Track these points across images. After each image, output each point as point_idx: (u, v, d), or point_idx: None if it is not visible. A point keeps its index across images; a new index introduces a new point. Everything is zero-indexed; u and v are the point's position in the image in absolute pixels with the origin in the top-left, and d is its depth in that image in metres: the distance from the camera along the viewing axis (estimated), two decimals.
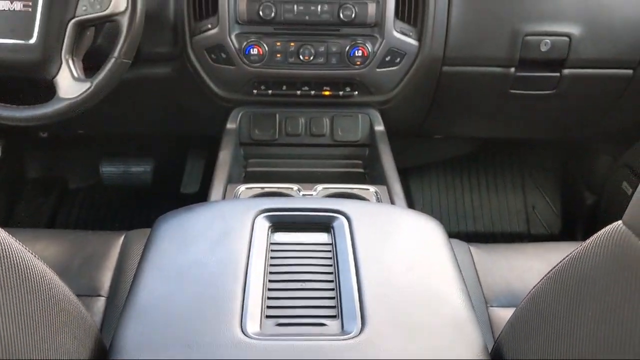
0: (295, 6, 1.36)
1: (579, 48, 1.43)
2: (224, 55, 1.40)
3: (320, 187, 1.21)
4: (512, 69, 1.47)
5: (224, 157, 1.34)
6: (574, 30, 1.42)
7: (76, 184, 2.06)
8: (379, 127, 1.48)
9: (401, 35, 1.41)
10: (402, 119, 1.61)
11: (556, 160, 2.08)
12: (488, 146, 2.06)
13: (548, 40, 1.43)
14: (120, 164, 2.00)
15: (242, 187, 1.20)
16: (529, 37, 1.42)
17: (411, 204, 1.97)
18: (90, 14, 1.15)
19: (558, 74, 1.47)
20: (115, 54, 1.16)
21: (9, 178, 1.94)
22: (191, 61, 1.42)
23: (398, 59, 1.43)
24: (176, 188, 2.01)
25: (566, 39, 1.42)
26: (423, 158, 2.07)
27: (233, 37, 1.38)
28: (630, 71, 1.47)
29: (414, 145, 2.00)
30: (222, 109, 1.50)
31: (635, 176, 1.73)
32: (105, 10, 1.15)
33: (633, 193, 1.61)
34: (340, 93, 1.47)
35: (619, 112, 1.61)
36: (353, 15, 1.37)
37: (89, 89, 1.15)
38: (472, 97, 1.58)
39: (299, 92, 1.46)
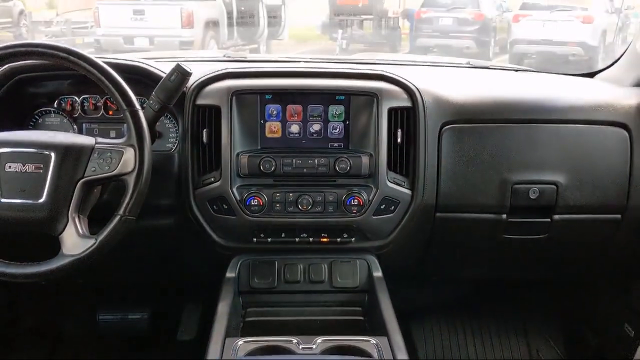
0: (294, 160, 1.44)
1: (567, 195, 1.49)
2: (225, 206, 1.45)
3: (319, 339, 1.19)
4: (504, 216, 1.52)
5: (223, 309, 1.34)
6: (560, 178, 1.48)
7: (71, 332, 2.02)
8: (377, 273, 1.50)
9: (394, 185, 1.47)
10: (399, 263, 1.63)
11: (557, 301, 2.08)
12: (487, 288, 2.06)
13: (536, 188, 1.49)
14: (118, 312, 1.98)
15: (240, 342, 1.19)
16: (517, 186, 1.49)
17: (413, 353, 1.93)
18: (99, 174, 1.21)
19: (549, 220, 1.52)
20: (121, 211, 1.20)
21: (0, 326, 1.90)
22: (193, 212, 1.47)
23: (392, 207, 1.47)
24: (173, 335, 1.98)
25: (553, 186, 1.49)
26: (423, 300, 2.07)
27: (234, 189, 1.44)
28: (618, 216, 1.52)
29: (413, 287, 2.00)
30: (222, 257, 1.52)
31: (637, 317, 1.72)
32: (113, 171, 1.21)
33: (635, 335, 1.60)
34: (338, 239, 1.50)
35: (611, 254, 1.64)
36: (348, 168, 1.44)
37: (92, 245, 1.18)
38: (466, 241, 1.61)
39: (297, 239, 1.49)
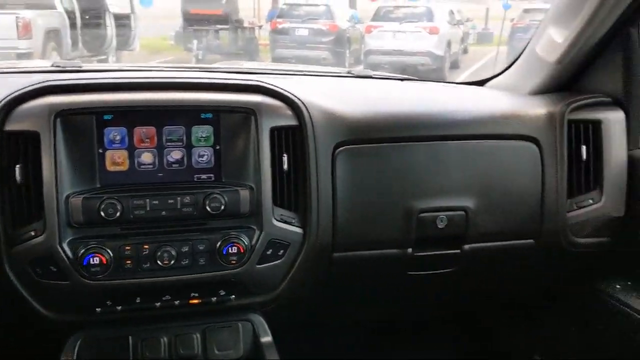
0: (148, 201, 1.09)
1: (477, 221, 1.29)
2: (53, 269, 1.06)
3: None
4: (409, 250, 1.28)
5: None
6: (469, 203, 1.28)
7: None
8: (266, 338, 1.19)
9: (282, 224, 1.17)
10: (292, 317, 1.34)
11: (465, 333, 1.90)
12: (388, 332, 1.82)
13: (444, 216, 1.27)
14: None
15: None
16: (423, 215, 1.26)
17: None
18: None
19: (458, 250, 1.31)
20: None
21: None
22: (7, 278, 1.06)
23: (281, 251, 1.18)
24: None
25: (462, 213, 1.28)
26: (320, 353, 1.77)
27: (65, 244, 1.06)
28: (532, 241, 1.34)
29: (307, 339, 1.71)
30: (53, 337, 1.12)
31: (548, 347, 1.57)
32: None
33: None
34: (213, 299, 1.17)
35: (522, 284, 1.47)
36: (222, 206, 1.12)
37: None
38: (368, 282, 1.36)
39: (158, 304, 1.14)
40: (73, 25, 9.27)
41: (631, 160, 1.36)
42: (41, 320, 1.10)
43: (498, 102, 1.45)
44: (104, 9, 9.94)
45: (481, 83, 1.70)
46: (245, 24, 13.07)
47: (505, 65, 1.65)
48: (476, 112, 1.36)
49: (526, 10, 14.67)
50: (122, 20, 10.14)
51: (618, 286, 1.37)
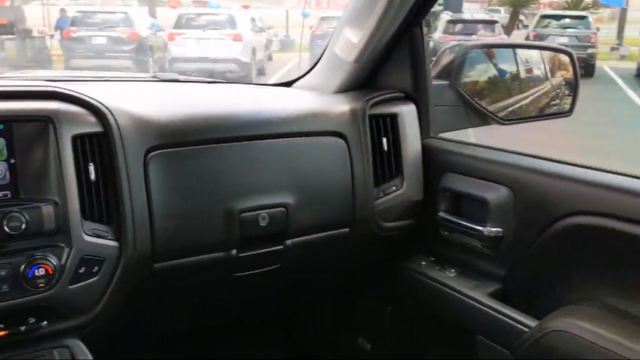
0: None
1: (297, 216, 1.33)
2: None
3: None
4: (234, 251, 1.28)
5: None
6: (288, 199, 1.31)
7: None
8: None
9: (94, 239, 1.10)
10: (115, 335, 1.26)
11: (288, 328, 1.93)
12: (218, 336, 1.79)
13: (265, 214, 1.29)
14: None
15: None
16: (245, 214, 1.26)
17: None
18: None
19: (282, 247, 1.34)
20: None
21: None
22: None
23: (96, 268, 1.10)
24: None
25: (283, 209, 1.31)
26: None
27: None
28: (347, 230, 1.42)
29: (135, 354, 1.61)
30: None
31: (370, 330, 1.67)
32: None
33: (371, 348, 1.51)
34: (22, 328, 1.06)
35: (341, 271, 1.55)
36: (23, 225, 1.01)
37: None
38: (193, 289, 1.33)
39: None
40: None
41: (424, 148, 1.51)
42: None
43: (305, 101, 1.51)
44: None
45: (288, 84, 1.75)
46: (35, 34, 12.01)
47: (309, 67, 1.72)
48: (285, 111, 1.40)
49: (323, 18, 15.53)
50: None
51: (423, 263, 1.50)
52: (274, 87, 1.76)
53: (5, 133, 1.03)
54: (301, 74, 1.73)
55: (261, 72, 13.17)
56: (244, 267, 1.31)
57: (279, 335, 1.93)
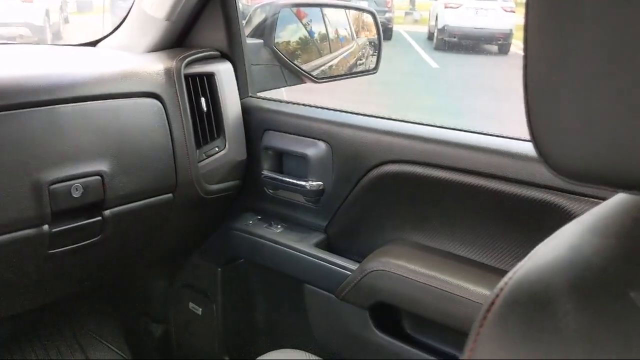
0: None
1: (115, 185, 1.26)
2: None
3: None
4: (46, 227, 1.17)
5: None
6: (103, 167, 1.23)
7: None
8: None
9: None
10: None
11: (110, 303, 1.84)
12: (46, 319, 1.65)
13: (79, 184, 1.20)
14: None
15: None
16: (55, 186, 1.16)
17: None
18: None
19: (100, 218, 1.26)
20: None
21: None
22: None
23: None
24: None
25: (98, 177, 1.23)
26: None
27: None
28: (170, 195, 1.38)
29: None
30: None
31: (200, 294, 1.66)
32: None
33: (203, 312, 1.54)
34: None
35: (165, 238, 1.51)
36: None
37: None
38: (3, 274, 1.20)
39: None
40: None
41: (244, 107, 1.51)
42: None
43: (114, 61, 1.41)
44: None
45: (93, 44, 1.63)
46: None
47: (115, 25, 1.62)
48: (92, 72, 1.29)
49: None
50: None
51: (250, 222, 1.52)
52: (78, 47, 1.62)
53: None
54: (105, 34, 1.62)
55: (57, 36, 12.03)
56: (60, 243, 1.22)
57: (107, 310, 1.83)
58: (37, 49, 1.55)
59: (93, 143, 1.22)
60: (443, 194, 1.20)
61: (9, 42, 1.54)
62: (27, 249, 1.17)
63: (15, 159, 1.11)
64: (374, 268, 1.23)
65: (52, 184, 1.16)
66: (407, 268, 1.18)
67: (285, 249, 1.41)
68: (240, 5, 1.53)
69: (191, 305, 1.68)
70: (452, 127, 1.24)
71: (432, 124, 1.28)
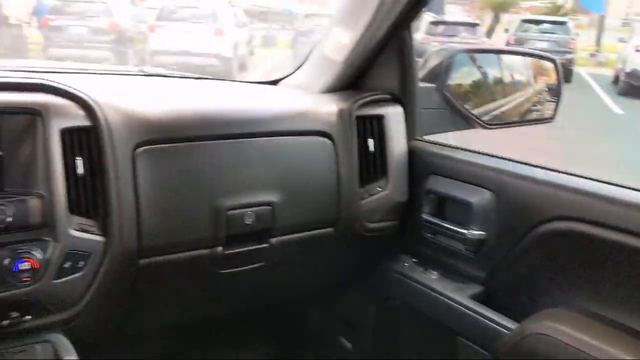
0: None
1: (283, 215, 1.34)
2: None
3: None
4: (220, 248, 1.28)
5: None
6: (274, 197, 1.32)
7: None
8: (69, 358, 1.09)
9: (81, 233, 1.09)
10: (100, 330, 1.25)
11: (268, 328, 1.94)
12: (203, 332, 1.79)
13: (251, 212, 1.29)
14: None
15: None
16: (231, 212, 1.27)
17: None
18: None
19: (267, 245, 1.34)
20: None
21: None
22: None
23: (81, 263, 1.10)
24: None
25: (269, 207, 1.31)
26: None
27: None
28: (331, 229, 1.43)
29: (121, 349, 1.60)
30: None
31: (352, 329, 1.68)
32: None
33: (353, 347, 1.53)
34: (5, 322, 1.05)
35: (324, 271, 1.56)
36: (9, 218, 1.00)
37: None
38: (178, 285, 1.33)
39: None
40: None
41: (410, 150, 1.53)
42: None
43: (292, 100, 1.52)
44: None
45: (274, 82, 1.75)
46: (12, 21, 11.78)
47: (296, 66, 1.73)
48: (273, 109, 1.40)
49: (307, 16, 15.50)
50: None
51: (406, 264, 1.52)
52: (261, 85, 1.76)
53: None
54: (285, 70, 1.73)
55: (243, 67, 13.11)
56: (229, 264, 1.32)
57: (262, 333, 1.93)
58: (226, 85, 1.71)
59: (267, 175, 1.32)
60: (621, 259, 1.10)
61: (201, 75, 1.74)
62: (201, 267, 1.28)
63: (200, 184, 1.23)
64: (535, 331, 1.15)
65: (229, 210, 1.26)
66: (574, 337, 1.09)
67: (439, 296, 1.38)
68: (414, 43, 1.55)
69: (341, 339, 1.71)
70: (632, 186, 1.14)
71: (609, 181, 1.18)
